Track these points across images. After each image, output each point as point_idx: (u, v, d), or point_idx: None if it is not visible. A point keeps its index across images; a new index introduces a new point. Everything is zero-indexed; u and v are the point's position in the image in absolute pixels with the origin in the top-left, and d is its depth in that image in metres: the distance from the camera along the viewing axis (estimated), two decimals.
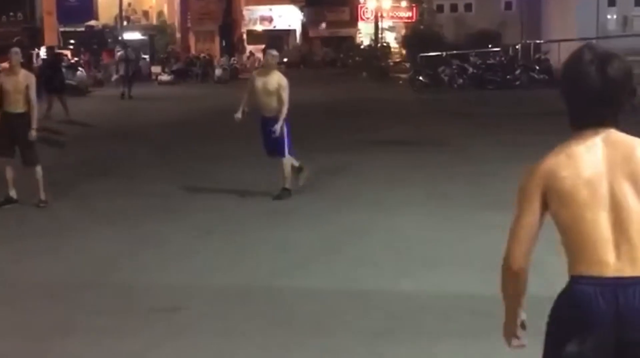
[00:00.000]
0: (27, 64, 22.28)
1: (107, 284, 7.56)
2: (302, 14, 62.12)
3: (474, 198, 11.00)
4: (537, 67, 34.71)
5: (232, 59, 49.29)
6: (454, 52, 38.12)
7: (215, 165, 14.43)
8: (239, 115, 11.32)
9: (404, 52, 52.74)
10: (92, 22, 48.92)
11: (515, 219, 2.98)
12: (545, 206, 2.94)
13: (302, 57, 59.03)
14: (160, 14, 57.47)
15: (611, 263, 2.81)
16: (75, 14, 46.51)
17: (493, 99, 28.50)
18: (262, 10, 61.57)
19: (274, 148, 11.15)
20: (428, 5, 54.59)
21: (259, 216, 10.30)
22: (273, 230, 9.57)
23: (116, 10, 49.00)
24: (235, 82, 39.46)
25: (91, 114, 24.90)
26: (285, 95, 10.90)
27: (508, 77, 34.05)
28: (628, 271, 2.81)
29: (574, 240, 2.88)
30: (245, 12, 61.62)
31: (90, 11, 49.82)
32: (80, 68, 36.07)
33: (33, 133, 10.83)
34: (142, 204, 11.28)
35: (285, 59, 48.76)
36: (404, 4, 56.26)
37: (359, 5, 57.97)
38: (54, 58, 26.62)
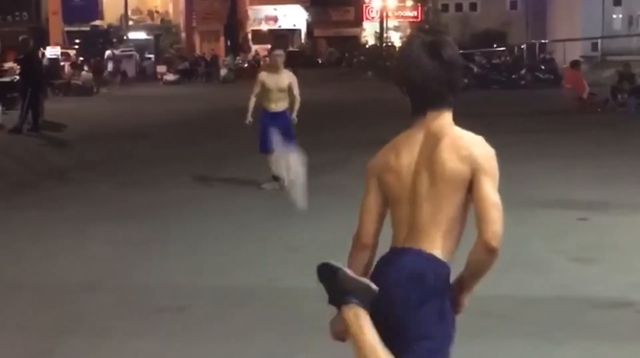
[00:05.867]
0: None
1: (109, 284, 7.54)
2: (307, 13, 62.14)
3: None
4: (543, 67, 34.68)
5: (237, 58, 49.20)
6: (459, 51, 37.98)
7: (219, 164, 14.40)
8: (250, 119, 11.87)
9: None
10: (97, 22, 48.92)
11: (361, 200, 3.35)
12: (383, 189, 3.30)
13: (307, 56, 59.02)
14: (165, 13, 57.51)
15: (402, 239, 3.21)
16: (80, 14, 46.42)
17: (498, 99, 28.46)
18: (267, 9, 61.57)
19: (285, 137, 11.48)
20: (433, 4, 54.61)
21: (265, 216, 10.29)
22: (279, 230, 9.51)
23: (121, 10, 49.06)
24: (241, 82, 39.36)
25: (94, 114, 24.92)
26: (297, 91, 11.80)
27: (513, 77, 34.03)
28: (410, 245, 3.20)
29: (391, 219, 3.30)
30: (250, 12, 61.62)
31: (96, 11, 49.74)
32: (85, 67, 35.99)
33: None
34: (148, 204, 11.28)
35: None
36: (409, 3, 56.21)
37: (364, 5, 57.93)
38: (32, 52, 20.54)
